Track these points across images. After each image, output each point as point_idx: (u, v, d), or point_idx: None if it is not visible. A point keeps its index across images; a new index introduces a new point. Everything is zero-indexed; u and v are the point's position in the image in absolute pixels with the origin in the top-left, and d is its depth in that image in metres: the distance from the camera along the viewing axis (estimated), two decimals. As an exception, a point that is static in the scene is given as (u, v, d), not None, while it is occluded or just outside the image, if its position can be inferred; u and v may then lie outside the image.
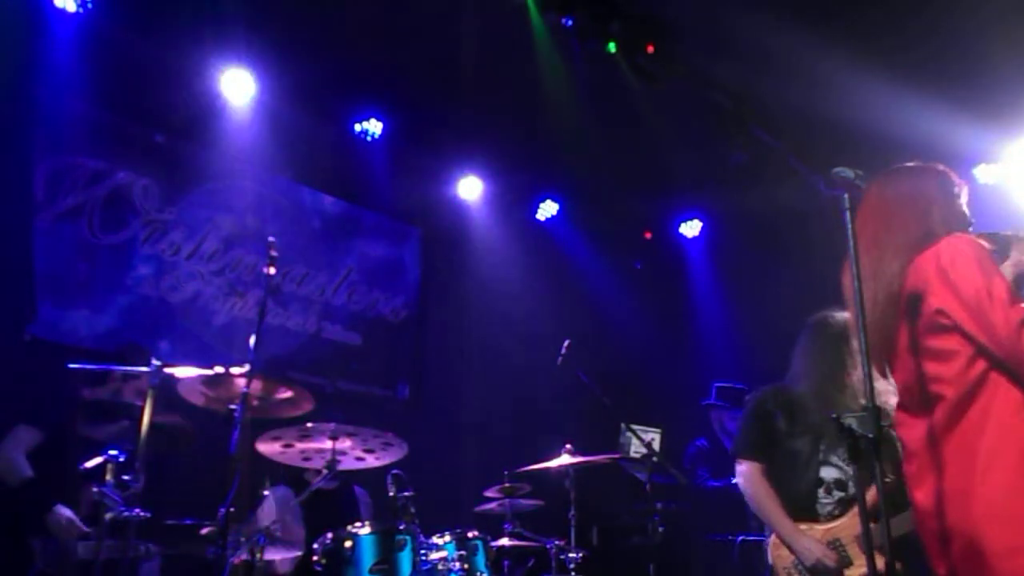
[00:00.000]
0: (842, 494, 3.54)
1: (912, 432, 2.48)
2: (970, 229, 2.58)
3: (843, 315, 3.72)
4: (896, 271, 2.48)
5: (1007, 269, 2.49)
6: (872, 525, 2.99)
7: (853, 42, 5.10)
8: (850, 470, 3.55)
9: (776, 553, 3.57)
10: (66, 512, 3.70)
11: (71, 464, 3.70)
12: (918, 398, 2.47)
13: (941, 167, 2.71)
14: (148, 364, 3.41)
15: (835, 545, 3.43)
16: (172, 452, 4.02)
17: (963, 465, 2.31)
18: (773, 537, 3.60)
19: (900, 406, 2.55)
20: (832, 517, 3.51)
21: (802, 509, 3.54)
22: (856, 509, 3.45)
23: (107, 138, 5.43)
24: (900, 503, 3.22)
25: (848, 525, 3.45)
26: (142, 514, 3.22)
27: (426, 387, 6.82)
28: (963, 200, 2.63)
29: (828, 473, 3.57)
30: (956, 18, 5.06)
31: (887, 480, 3.27)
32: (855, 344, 3.56)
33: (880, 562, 2.38)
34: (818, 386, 3.59)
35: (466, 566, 3.73)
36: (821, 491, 3.55)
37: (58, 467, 3.83)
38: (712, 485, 5.69)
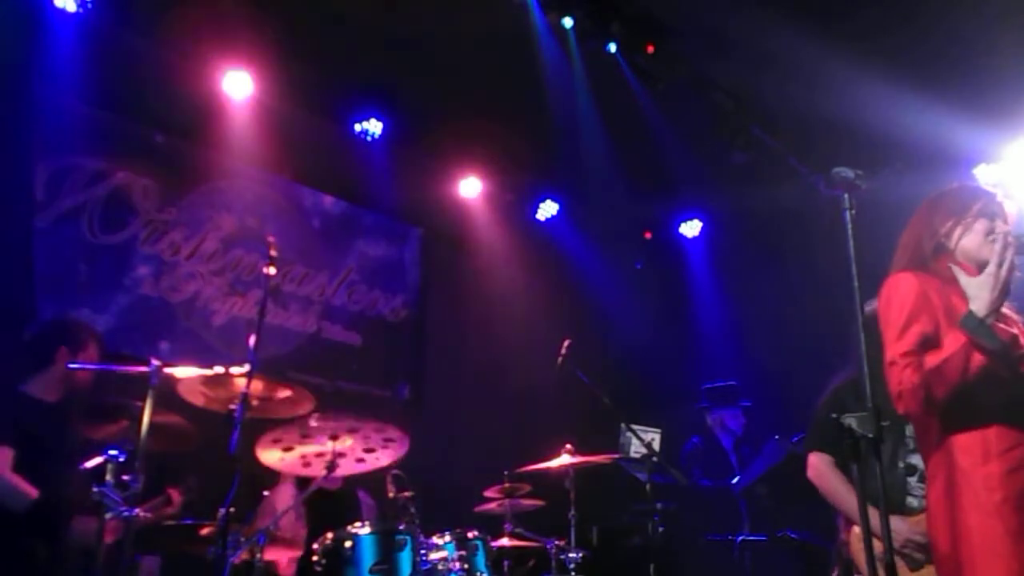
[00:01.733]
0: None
1: None
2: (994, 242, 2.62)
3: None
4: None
5: None
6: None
7: (853, 42, 5.10)
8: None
9: (859, 546, 3.35)
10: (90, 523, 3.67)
11: (52, 476, 3.69)
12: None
13: (962, 185, 2.83)
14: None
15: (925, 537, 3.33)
16: (172, 452, 4.02)
17: (929, 477, 2.64)
18: (855, 529, 3.38)
19: None
20: (922, 510, 3.28)
21: (891, 502, 3.21)
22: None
23: (107, 138, 5.43)
24: None
25: None
26: (142, 514, 3.21)
27: (426, 387, 6.82)
28: (977, 216, 2.68)
29: (919, 461, 3.30)
30: (956, 18, 5.06)
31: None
32: None
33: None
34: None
35: (466, 566, 3.73)
36: (913, 480, 3.35)
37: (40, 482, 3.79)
38: (704, 484, 5.70)
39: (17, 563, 3.63)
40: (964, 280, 2.52)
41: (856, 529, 3.41)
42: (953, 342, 2.42)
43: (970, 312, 2.44)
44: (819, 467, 3.59)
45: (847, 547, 3.49)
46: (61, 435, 3.88)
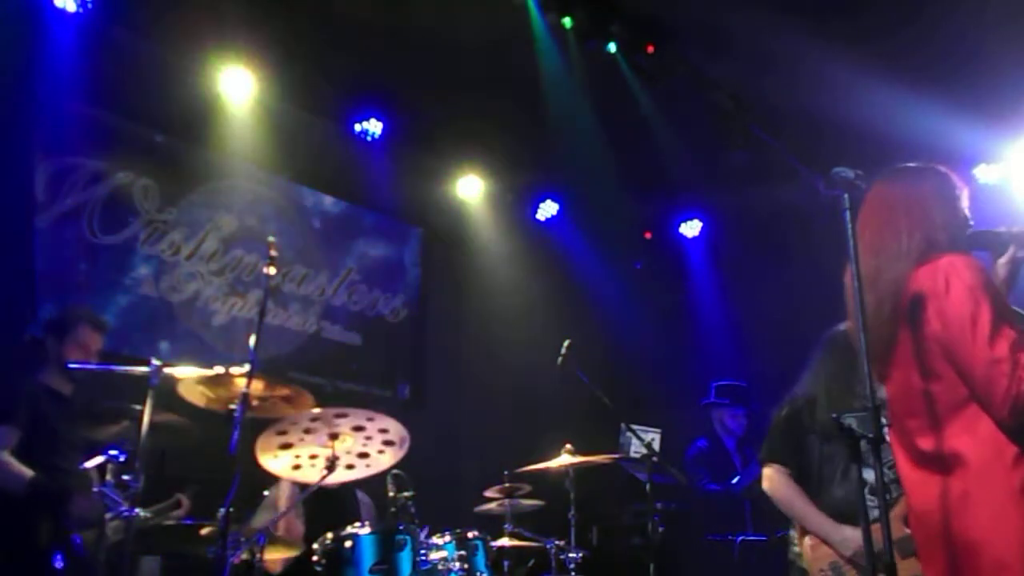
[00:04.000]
0: (887, 495, 3.40)
1: (905, 440, 2.51)
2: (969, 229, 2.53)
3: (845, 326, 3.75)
4: (896, 278, 2.42)
5: (1001, 268, 2.45)
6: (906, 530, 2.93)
7: (854, 42, 5.10)
8: (892, 473, 3.27)
9: (813, 555, 3.41)
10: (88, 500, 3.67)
11: (62, 465, 3.70)
12: (911, 408, 2.47)
13: (941, 168, 2.64)
14: (148, 362, 3.42)
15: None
16: (172, 449, 4.02)
17: (951, 483, 2.35)
18: (808, 539, 3.45)
19: (891, 413, 2.54)
20: (876, 521, 3.39)
21: (848, 515, 3.36)
22: (896, 512, 3.23)
23: (107, 138, 5.43)
24: None
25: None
26: (142, 514, 3.22)
27: (426, 387, 6.82)
28: (964, 202, 2.57)
29: (869, 475, 3.44)
30: (957, 18, 5.06)
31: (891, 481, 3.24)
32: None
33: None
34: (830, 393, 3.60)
35: (466, 566, 3.73)
36: (866, 492, 3.42)
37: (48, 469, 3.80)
38: (711, 488, 5.68)
39: (22, 537, 3.64)
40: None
41: (808, 539, 3.45)
42: None
43: None
44: (774, 479, 3.62)
45: (800, 558, 3.52)
46: (72, 426, 3.91)
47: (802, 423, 3.62)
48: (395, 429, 3.66)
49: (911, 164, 2.67)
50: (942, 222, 2.48)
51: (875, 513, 3.34)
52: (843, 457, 3.47)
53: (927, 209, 2.51)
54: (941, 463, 2.38)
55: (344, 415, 3.54)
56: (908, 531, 3.13)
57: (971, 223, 2.55)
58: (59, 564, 3.65)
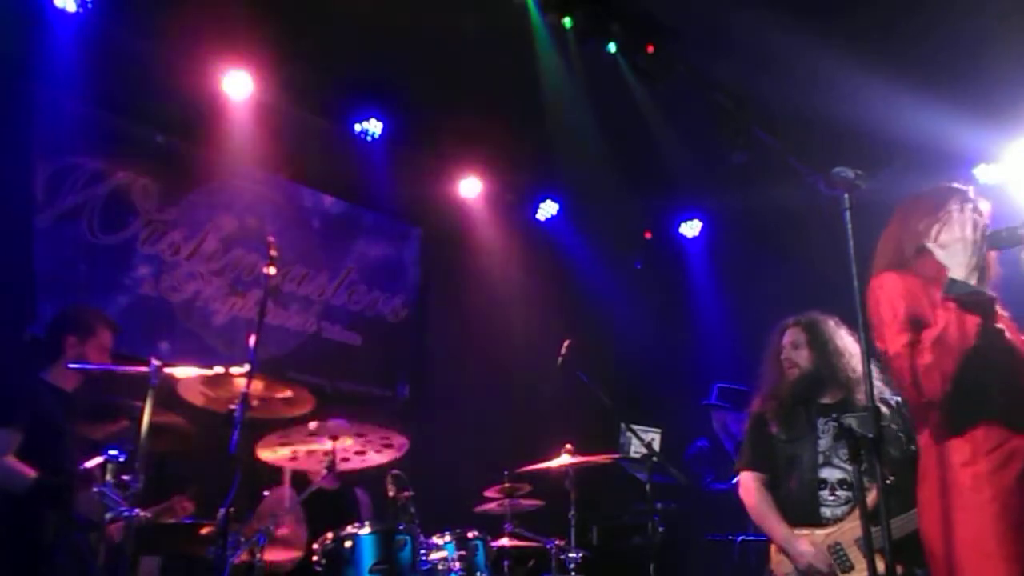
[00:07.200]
0: (848, 494, 3.45)
1: None
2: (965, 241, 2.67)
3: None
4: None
5: None
6: (875, 528, 2.99)
7: (853, 42, 5.10)
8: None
9: (776, 560, 3.54)
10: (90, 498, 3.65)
11: (66, 463, 3.69)
12: None
13: (937, 188, 2.80)
14: (148, 360, 3.41)
15: (835, 550, 3.38)
16: (172, 452, 4.01)
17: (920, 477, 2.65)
18: (774, 545, 3.58)
19: None
20: (838, 520, 3.45)
21: (804, 514, 3.48)
22: (857, 512, 3.36)
23: (107, 138, 5.43)
24: (897, 505, 3.22)
25: (849, 529, 3.38)
26: (142, 514, 3.21)
27: (426, 387, 6.82)
28: (952, 219, 2.68)
29: (831, 474, 3.51)
30: (956, 18, 5.06)
31: (888, 481, 3.28)
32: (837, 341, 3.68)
33: (881, 565, 2.37)
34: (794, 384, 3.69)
35: (466, 566, 3.73)
36: (824, 492, 3.48)
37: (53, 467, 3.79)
38: (715, 487, 5.68)
39: (28, 529, 3.63)
40: (939, 254, 2.58)
41: (775, 545, 3.57)
42: (944, 314, 2.47)
43: (951, 279, 2.49)
44: (748, 485, 3.72)
45: (768, 561, 3.62)
46: (74, 423, 3.89)
47: (770, 426, 3.69)
48: (396, 438, 3.69)
49: (925, 188, 2.87)
50: (911, 238, 2.71)
51: (836, 511, 3.45)
52: (806, 457, 3.58)
53: (899, 230, 2.77)
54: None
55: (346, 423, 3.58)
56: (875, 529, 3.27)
57: (981, 227, 2.66)
58: (61, 560, 3.63)
